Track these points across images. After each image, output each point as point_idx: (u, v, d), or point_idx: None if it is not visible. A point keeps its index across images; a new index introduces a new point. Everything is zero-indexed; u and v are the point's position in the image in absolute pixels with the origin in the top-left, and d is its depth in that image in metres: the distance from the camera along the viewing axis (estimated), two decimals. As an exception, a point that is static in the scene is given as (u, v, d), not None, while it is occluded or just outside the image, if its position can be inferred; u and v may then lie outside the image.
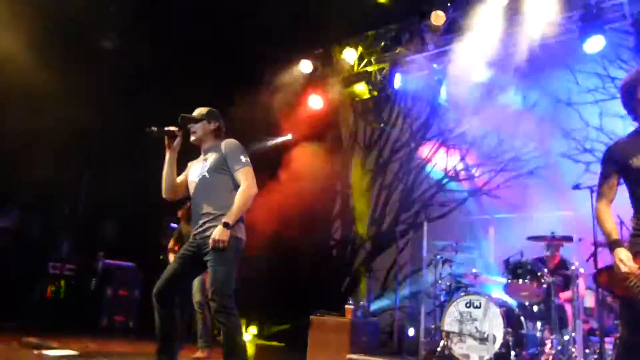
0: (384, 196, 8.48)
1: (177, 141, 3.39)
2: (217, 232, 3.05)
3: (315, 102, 8.40)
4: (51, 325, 6.97)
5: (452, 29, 7.11)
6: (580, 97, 6.67)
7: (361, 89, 8.24)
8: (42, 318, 7.18)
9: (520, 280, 4.95)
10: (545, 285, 4.92)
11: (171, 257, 5.48)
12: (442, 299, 5.53)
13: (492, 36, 6.67)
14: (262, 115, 8.17)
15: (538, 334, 4.93)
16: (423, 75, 7.80)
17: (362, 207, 8.69)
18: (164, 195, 3.46)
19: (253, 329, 8.43)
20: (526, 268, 4.97)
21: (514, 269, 5.04)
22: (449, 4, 6.95)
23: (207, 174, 3.28)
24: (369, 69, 8.02)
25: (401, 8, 7.39)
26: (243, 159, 3.27)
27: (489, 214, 6.84)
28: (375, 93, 8.16)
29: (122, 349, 5.71)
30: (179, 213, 5.75)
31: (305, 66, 8.22)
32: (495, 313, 4.74)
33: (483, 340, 4.72)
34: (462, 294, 5.10)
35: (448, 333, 4.96)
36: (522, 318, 4.90)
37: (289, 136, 9.01)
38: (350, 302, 5.76)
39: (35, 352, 4.67)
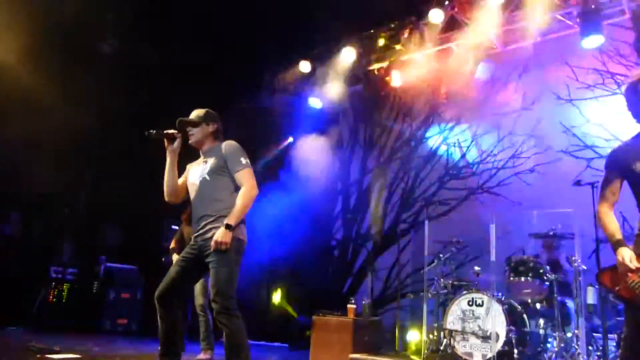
0: (385, 195, 8.48)
1: (177, 143, 3.38)
2: (219, 234, 3.05)
3: (315, 102, 8.38)
4: (54, 329, 6.99)
5: (451, 26, 7.10)
6: (580, 93, 6.66)
7: (361, 88, 8.22)
8: (45, 322, 7.17)
9: (523, 278, 4.95)
10: (547, 283, 4.92)
11: (174, 257, 5.45)
12: (445, 297, 5.52)
13: (491, 33, 6.66)
14: (262, 116, 8.16)
15: (541, 332, 4.91)
16: (423, 73, 7.78)
17: (363, 207, 8.69)
18: (166, 199, 3.46)
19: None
20: (528, 265, 4.96)
21: (516, 267, 5.03)
22: (447, 2, 6.94)
23: (207, 176, 3.27)
24: (369, 67, 8.00)
25: (400, 6, 7.38)
26: (243, 160, 3.26)
27: (490, 211, 6.82)
28: (375, 92, 8.14)
29: (125, 352, 5.70)
30: (183, 216, 5.71)
31: (304, 66, 8.20)
32: (498, 311, 4.73)
33: (486, 338, 4.72)
34: (465, 292, 5.09)
35: (451, 331, 4.96)
36: (524, 316, 4.87)
37: (290, 139, 9.00)
38: (353, 301, 5.76)
39: (39, 356, 4.67)
